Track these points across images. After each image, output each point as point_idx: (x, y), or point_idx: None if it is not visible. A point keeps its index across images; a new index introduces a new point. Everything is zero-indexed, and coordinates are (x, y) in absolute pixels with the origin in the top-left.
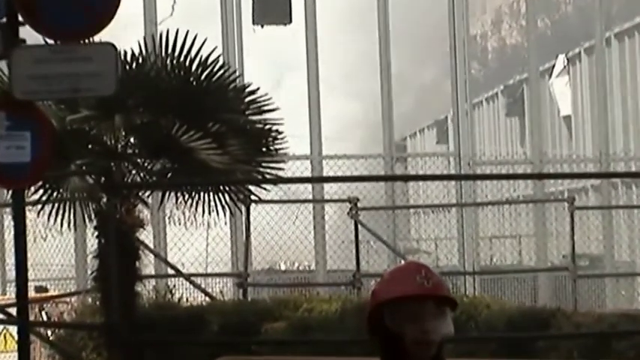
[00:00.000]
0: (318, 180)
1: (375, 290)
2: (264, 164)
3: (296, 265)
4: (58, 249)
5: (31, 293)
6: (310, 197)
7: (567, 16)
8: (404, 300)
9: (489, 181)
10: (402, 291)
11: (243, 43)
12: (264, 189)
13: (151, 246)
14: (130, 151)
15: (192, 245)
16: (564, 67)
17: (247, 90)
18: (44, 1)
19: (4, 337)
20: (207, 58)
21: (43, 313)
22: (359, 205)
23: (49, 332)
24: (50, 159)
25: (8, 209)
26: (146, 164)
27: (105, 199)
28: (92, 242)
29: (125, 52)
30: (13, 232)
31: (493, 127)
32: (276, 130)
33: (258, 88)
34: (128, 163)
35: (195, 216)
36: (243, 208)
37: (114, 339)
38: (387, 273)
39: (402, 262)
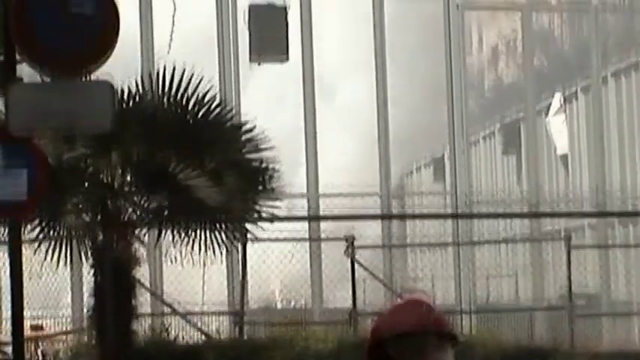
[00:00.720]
0: (314, 218)
1: (378, 325)
2: (260, 202)
3: (292, 302)
4: (54, 286)
5: (27, 331)
6: (307, 235)
7: (564, 55)
8: (407, 334)
9: (486, 219)
10: (406, 325)
11: (240, 80)
12: (261, 227)
13: (147, 283)
14: (126, 188)
15: (188, 283)
16: (561, 105)
17: (244, 128)
18: (41, 36)
19: None
20: (204, 95)
21: (39, 351)
22: (355, 243)
23: None
24: (45, 196)
25: (4, 246)
26: (142, 201)
27: (101, 237)
28: (88, 280)
29: (122, 90)
30: (9, 270)
31: (490, 165)
32: (273, 168)
33: (254, 126)
34: (124, 200)
35: (191, 253)
36: (240, 246)
37: None
38: (390, 308)
39: (399, 300)
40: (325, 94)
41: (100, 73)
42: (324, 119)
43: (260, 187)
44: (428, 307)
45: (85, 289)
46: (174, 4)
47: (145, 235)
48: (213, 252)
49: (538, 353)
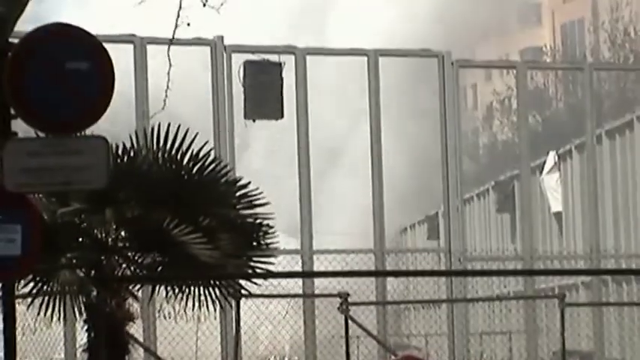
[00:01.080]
0: (308, 275)
1: None
2: (254, 259)
3: (286, 359)
4: (47, 342)
5: None
6: (301, 292)
7: (558, 113)
8: None
9: (480, 276)
10: None
11: (235, 137)
12: (255, 283)
13: (141, 340)
14: (120, 244)
15: (182, 339)
16: (555, 163)
17: (238, 184)
18: (36, 93)
19: None
20: (198, 152)
21: None
22: (349, 300)
23: None
24: (40, 252)
25: None
26: (137, 258)
27: (95, 293)
28: (82, 336)
29: (117, 146)
30: (2, 326)
31: (484, 223)
32: (267, 225)
33: (249, 182)
34: (119, 256)
35: (185, 310)
36: (234, 303)
37: None
38: None
39: (393, 357)
40: (321, 152)
41: (95, 129)
42: (321, 176)
43: (254, 244)
44: None
45: (78, 344)
46: (170, 61)
47: (138, 291)
48: (207, 308)
49: None
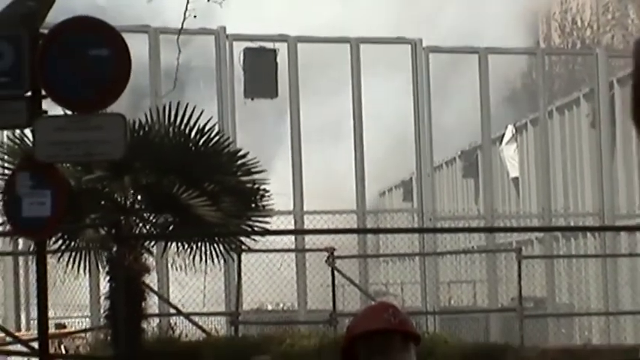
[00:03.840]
0: (300, 232)
1: (350, 326)
2: (253, 218)
3: (281, 305)
4: (74, 291)
5: (52, 329)
6: (293, 247)
7: (516, 92)
8: (373, 334)
9: (448, 233)
10: (372, 326)
11: (235, 113)
12: (254, 240)
13: (155, 288)
14: (137, 207)
15: (190, 288)
16: (513, 135)
17: (239, 154)
18: (62, 77)
19: None
20: (204, 126)
21: (62, 346)
22: (335, 254)
23: None
24: (66, 213)
25: (32, 256)
26: (151, 218)
27: (115, 249)
28: (104, 285)
29: (133, 121)
30: (36, 276)
31: (451, 187)
32: (264, 189)
33: (248, 152)
34: (136, 217)
35: (193, 262)
36: (236, 256)
37: None
38: (361, 311)
39: (373, 302)
40: (313, 127)
41: (115, 107)
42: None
43: (252, 206)
44: (394, 310)
45: (101, 293)
46: (179, 48)
47: (153, 247)
48: (212, 261)
49: (493, 349)
